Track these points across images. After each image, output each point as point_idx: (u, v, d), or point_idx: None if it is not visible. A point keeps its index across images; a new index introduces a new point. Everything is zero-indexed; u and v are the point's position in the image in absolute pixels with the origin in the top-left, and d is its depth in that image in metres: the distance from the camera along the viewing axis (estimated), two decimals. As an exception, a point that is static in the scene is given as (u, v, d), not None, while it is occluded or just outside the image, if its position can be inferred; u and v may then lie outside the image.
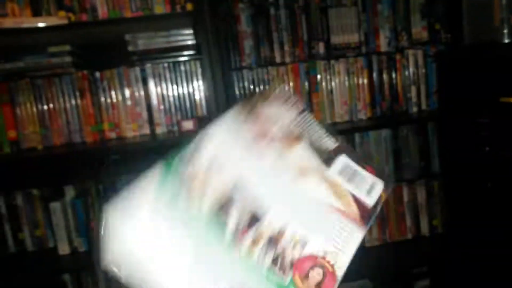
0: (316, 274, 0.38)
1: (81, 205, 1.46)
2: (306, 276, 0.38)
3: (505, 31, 1.22)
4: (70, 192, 1.48)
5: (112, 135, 1.46)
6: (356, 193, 0.44)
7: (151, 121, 1.48)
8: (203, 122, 1.43)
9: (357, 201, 0.44)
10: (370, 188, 0.45)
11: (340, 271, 0.39)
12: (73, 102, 1.44)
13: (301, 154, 0.45)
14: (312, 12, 1.58)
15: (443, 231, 1.64)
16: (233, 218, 0.38)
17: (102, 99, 1.46)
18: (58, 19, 1.36)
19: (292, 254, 0.39)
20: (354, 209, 0.43)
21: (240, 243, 0.38)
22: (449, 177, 1.36)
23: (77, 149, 1.40)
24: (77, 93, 1.45)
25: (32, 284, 1.37)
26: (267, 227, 0.39)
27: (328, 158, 0.46)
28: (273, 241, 0.39)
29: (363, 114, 1.61)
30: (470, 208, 1.34)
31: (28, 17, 1.37)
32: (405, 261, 1.61)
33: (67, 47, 1.43)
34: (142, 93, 1.48)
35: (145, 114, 1.48)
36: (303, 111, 0.48)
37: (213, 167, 0.40)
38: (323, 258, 0.39)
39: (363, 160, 0.47)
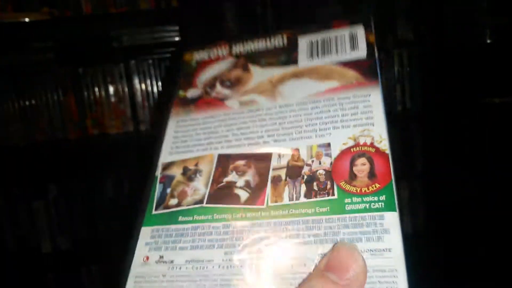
0: (360, 165, 0.30)
1: (64, 203, 1.44)
2: (353, 175, 0.30)
3: (487, 33, 1.24)
4: (53, 190, 1.46)
5: (96, 132, 1.45)
6: (339, 59, 0.37)
7: (135, 118, 1.47)
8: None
9: (347, 64, 0.37)
10: (352, 42, 0.38)
11: (383, 144, 0.31)
12: (55, 98, 1.42)
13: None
14: (299, 10, 1.57)
15: (425, 230, 1.65)
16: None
17: (86, 96, 1.44)
18: (41, 14, 1.34)
19: (323, 167, 0.31)
20: (350, 73, 0.36)
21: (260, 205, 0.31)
22: (432, 177, 1.38)
23: (60, 147, 1.39)
24: (60, 90, 1.43)
25: (15, 284, 1.35)
26: (277, 166, 0.32)
27: (288, 56, 0.40)
28: (292, 173, 0.31)
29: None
30: (451, 207, 1.35)
31: (10, 12, 1.35)
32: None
33: (50, 43, 1.41)
34: (126, 90, 1.46)
35: (129, 112, 1.46)
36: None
37: None
38: (357, 145, 0.31)
39: (324, 21, 0.40)
